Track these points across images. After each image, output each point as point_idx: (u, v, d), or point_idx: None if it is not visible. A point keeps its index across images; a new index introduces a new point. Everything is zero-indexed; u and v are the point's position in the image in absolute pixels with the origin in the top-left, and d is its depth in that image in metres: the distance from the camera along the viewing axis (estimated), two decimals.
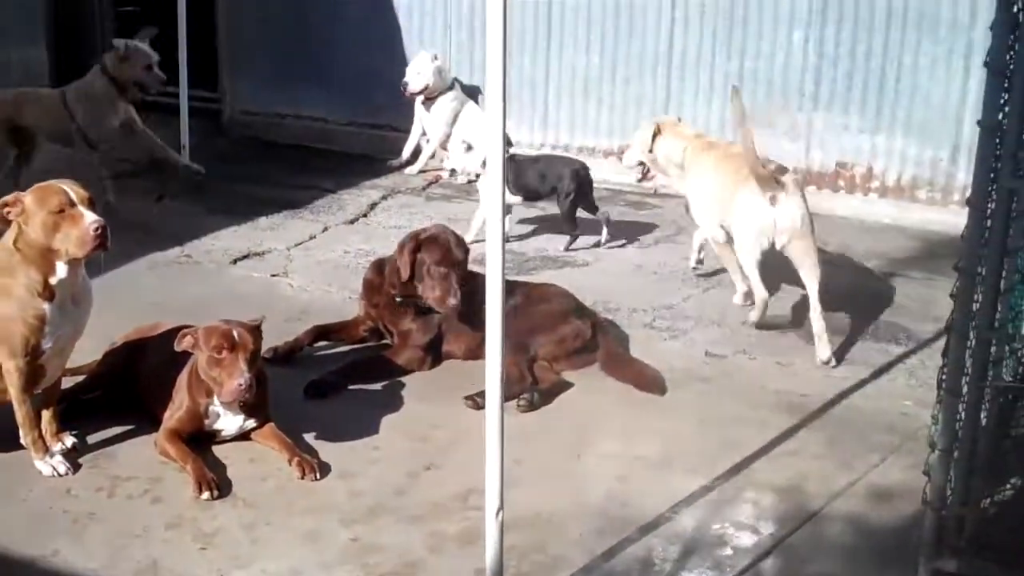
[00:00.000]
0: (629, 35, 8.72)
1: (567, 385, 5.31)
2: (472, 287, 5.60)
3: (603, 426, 4.94)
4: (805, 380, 5.45)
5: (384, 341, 5.66)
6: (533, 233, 7.53)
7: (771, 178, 5.58)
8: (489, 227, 3.67)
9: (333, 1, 9.75)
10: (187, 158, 8.86)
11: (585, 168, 7.38)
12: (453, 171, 7.89)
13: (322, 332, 5.71)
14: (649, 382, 5.28)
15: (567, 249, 7.19)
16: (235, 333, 4.44)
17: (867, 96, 8.15)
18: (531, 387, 5.15)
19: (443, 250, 5.43)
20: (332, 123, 9.94)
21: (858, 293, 6.57)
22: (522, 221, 7.58)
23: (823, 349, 5.61)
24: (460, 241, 5.59)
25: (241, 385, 4.38)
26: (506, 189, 6.94)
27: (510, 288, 4.89)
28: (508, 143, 7.06)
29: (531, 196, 7.37)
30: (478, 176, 8.60)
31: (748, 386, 5.38)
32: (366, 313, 5.73)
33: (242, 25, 10.27)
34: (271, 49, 10.13)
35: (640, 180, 7.00)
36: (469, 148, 7.33)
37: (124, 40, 8.09)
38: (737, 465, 4.61)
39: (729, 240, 5.99)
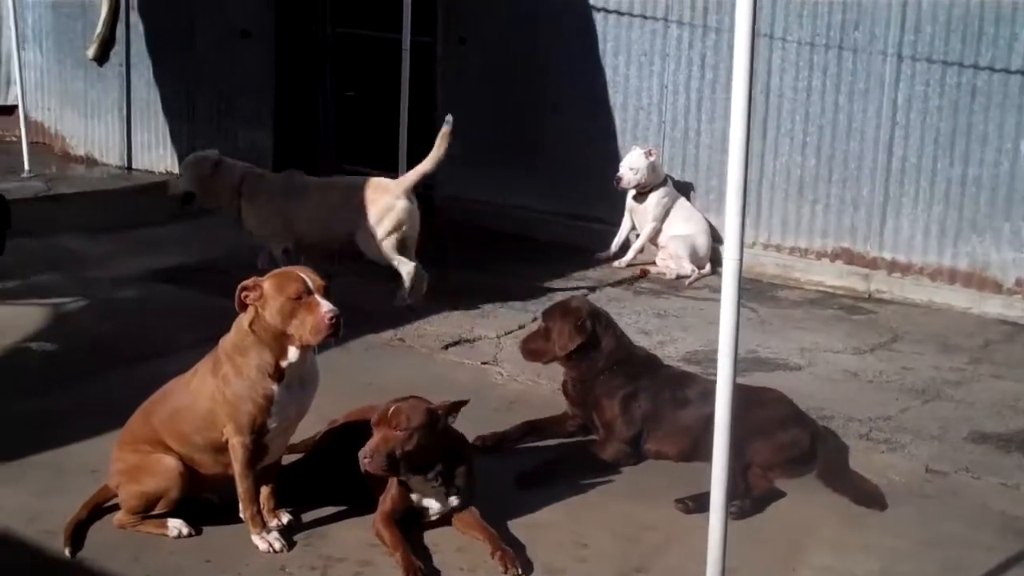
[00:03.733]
0: (847, 137, 8.60)
1: (780, 494, 5.17)
2: (686, 387, 5.57)
3: (818, 539, 4.80)
4: None
5: (592, 436, 5.64)
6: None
7: None
8: (723, 330, 3.63)
9: (549, 94, 9.90)
10: None
11: None
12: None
13: (532, 428, 5.72)
14: (868, 497, 5.11)
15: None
16: (390, 410, 4.55)
17: None
18: (743, 494, 5.03)
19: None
20: (540, 213, 10.04)
21: None
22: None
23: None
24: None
25: (364, 458, 4.48)
26: None
27: None
28: None
29: None
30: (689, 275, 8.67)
31: (971, 506, 5.15)
32: (572, 408, 5.75)
33: (458, 112, 10.47)
34: (484, 137, 10.31)
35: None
36: None
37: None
38: None
39: None
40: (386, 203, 7.71)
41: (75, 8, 12.87)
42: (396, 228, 7.70)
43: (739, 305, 3.92)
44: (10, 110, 13.53)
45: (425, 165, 7.82)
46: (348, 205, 7.75)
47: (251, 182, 7.93)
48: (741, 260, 3.86)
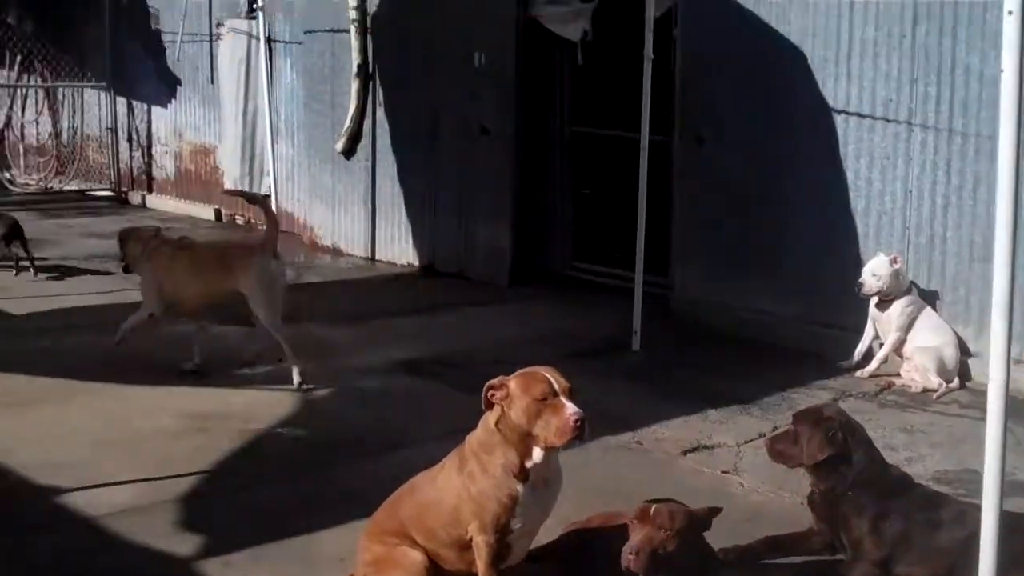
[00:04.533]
0: None
1: None
2: (940, 508, 5.33)
3: None
4: None
5: (840, 556, 5.45)
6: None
7: None
8: (988, 454, 3.48)
9: (787, 199, 9.78)
10: (638, 342, 9.07)
11: None
12: None
13: (775, 543, 5.54)
14: None
15: None
16: (651, 508, 4.54)
17: None
18: None
19: None
20: (779, 318, 9.86)
21: None
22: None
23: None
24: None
25: (629, 554, 4.42)
26: None
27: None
28: None
29: None
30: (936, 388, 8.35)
31: None
32: (817, 523, 5.57)
33: (695, 214, 10.48)
34: (721, 240, 10.26)
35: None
36: None
37: None
38: None
39: None
40: (259, 264, 7.89)
41: (325, 105, 13.52)
42: (276, 290, 7.90)
43: (1006, 429, 3.75)
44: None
45: (273, 227, 8.06)
46: (220, 266, 7.98)
47: (152, 245, 8.22)
48: (1007, 382, 3.69)
